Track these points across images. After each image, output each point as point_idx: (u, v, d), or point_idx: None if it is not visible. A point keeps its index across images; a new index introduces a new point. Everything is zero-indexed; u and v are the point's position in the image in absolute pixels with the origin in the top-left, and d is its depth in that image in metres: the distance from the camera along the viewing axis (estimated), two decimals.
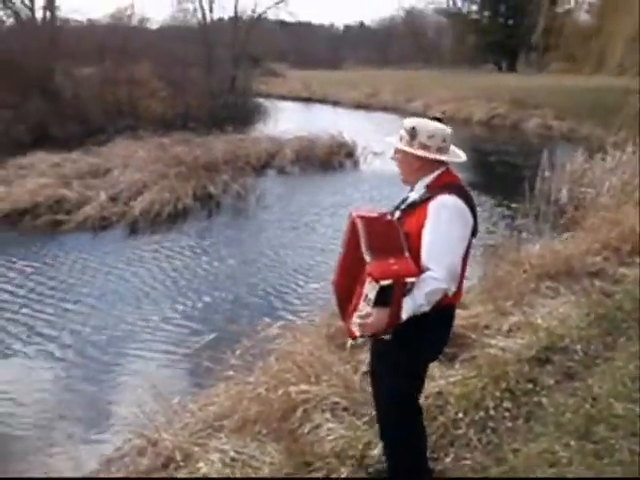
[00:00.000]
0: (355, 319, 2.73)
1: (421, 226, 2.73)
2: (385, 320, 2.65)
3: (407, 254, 2.66)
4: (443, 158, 2.85)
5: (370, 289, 2.62)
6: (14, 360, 6.25)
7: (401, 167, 2.93)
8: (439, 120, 2.87)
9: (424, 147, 2.80)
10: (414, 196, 2.89)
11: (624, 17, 12.63)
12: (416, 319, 2.70)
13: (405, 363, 2.93)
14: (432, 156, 2.81)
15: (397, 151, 2.91)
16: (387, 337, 2.76)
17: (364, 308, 2.67)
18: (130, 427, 4.49)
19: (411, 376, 3.02)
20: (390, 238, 2.70)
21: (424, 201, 2.78)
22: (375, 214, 2.87)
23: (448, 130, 2.85)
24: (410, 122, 2.84)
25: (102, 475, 4.27)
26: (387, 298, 2.61)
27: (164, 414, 4.39)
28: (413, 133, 2.80)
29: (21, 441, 4.94)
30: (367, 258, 2.62)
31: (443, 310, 2.83)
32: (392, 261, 2.59)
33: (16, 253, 9.29)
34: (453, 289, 2.77)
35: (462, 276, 2.88)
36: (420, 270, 2.66)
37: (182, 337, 6.63)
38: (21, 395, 5.57)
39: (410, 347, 2.85)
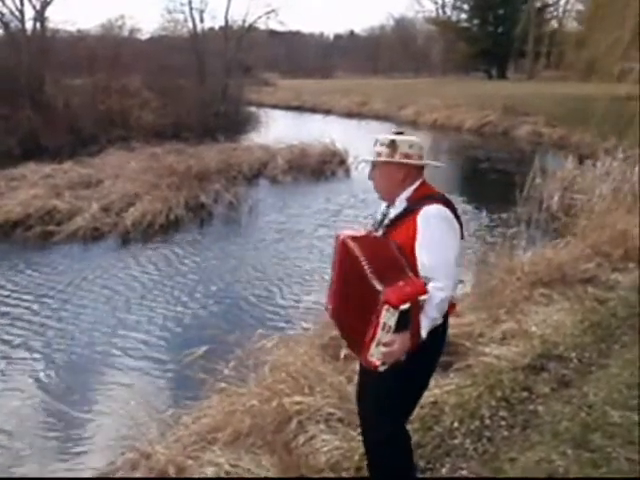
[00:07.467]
0: (375, 350, 2.63)
1: (412, 238, 2.69)
2: (408, 343, 2.63)
3: (410, 273, 2.63)
4: (428, 162, 2.90)
5: (389, 317, 2.54)
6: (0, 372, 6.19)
7: (382, 182, 2.89)
8: (401, 134, 2.89)
9: (407, 156, 2.81)
10: (396, 211, 2.85)
11: (613, 24, 12.68)
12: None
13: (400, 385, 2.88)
14: (418, 162, 2.83)
15: (377, 166, 2.87)
16: (403, 358, 2.72)
17: (385, 337, 2.59)
18: (123, 441, 4.44)
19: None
20: (389, 258, 2.66)
21: (410, 213, 2.75)
22: (363, 233, 2.86)
23: (421, 142, 2.89)
24: (385, 137, 2.84)
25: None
26: (406, 321, 2.58)
27: (157, 427, 4.35)
28: (393, 146, 2.80)
29: (9, 456, 4.86)
30: (378, 287, 2.54)
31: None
32: (402, 284, 2.55)
33: (7, 264, 9.23)
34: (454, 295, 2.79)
35: None
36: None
37: (174, 349, 6.56)
38: (9, 409, 5.51)
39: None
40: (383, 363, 2.65)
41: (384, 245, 2.73)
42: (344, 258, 2.79)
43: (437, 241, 2.67)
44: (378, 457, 2.99)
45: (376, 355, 2.64)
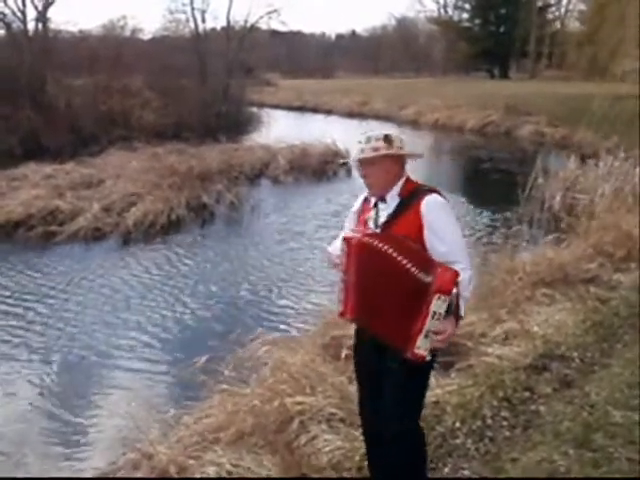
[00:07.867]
0: (423, 341, 2.66)
1: (417, 229, 2.75)
2: (455, 326, 2.73)
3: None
4: (422, 154, 3.11)
5: (439, 305, 2.62)
6: (1, 371, 6.19)
7: (379, 177, 2.90)
8: None
9: (401, 150, 2.91)
10: (391, 207, 2.88)
11: (615, 24, 12.69)
12: None
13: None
14: (418, 154, 3.01)
15: (374, 161, 2.89)
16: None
17: (435, 325, 2.64)
18: (124, 441, 4.44)
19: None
20: (414, 250, 2.71)
21: (409, 206, 2.81)
22: (370, 232, 2.87)
23: None
24: (378, 133, 2.91)
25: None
26: (451, 306, 2.67)
27: (159, 428, 4.36)
28: (389, 140, 2.87)
29: (12, 457, 4.86)
30: (425, 279, 2.62)
31: None
32: (439, 270, 2.63)
33: (9, 264, 9.23)
34: None
35: None
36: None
37: (175, 350, 6.58)
38: (11, 410, 5.51)
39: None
40: (430, 352, 2.71)
41: (400, 239, 2.75)
42: (366, 258, 2.75)
43: (447, 227, 2.79)
44: (395, 454, 2.95)
45: (423, 346, 2.68)
